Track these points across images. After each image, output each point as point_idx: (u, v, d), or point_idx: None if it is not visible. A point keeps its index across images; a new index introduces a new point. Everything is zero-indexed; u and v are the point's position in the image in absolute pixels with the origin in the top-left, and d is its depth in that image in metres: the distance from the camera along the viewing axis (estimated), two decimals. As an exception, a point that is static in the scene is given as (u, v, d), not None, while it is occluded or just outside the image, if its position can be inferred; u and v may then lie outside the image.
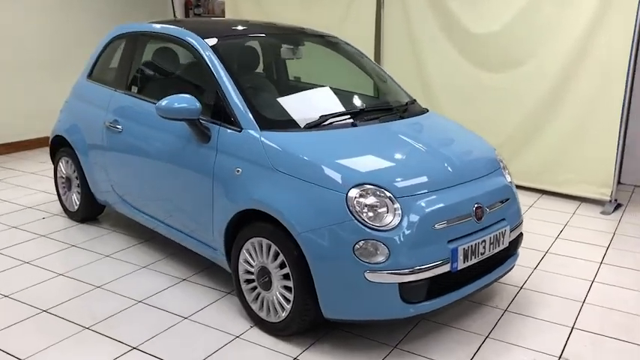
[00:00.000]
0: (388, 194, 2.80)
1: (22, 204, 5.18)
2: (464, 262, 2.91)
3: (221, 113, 3.30)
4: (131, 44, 4.13)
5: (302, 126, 3.19)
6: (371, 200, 2.77)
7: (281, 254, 2.95)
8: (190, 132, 3.38)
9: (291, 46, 4.06)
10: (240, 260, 3.20)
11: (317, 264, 2.80)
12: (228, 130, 3.23)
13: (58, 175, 4.85)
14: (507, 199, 3.24)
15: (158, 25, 3.99)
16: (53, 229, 4.61)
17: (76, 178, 4.62)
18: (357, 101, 3.73)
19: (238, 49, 3.72)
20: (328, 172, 2.85)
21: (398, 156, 3.13)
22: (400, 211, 2.77)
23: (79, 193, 4.63)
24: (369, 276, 2.72)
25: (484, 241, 3.01)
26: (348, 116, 3.38)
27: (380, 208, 2.77)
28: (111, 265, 3.96)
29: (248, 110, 3.21)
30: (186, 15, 9.07)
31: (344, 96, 3.74)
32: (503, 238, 3.16)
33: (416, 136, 3.35)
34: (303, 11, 6.89)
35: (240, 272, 3.23)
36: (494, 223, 3.10)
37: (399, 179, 2.90)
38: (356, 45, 4.39)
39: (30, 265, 3.95)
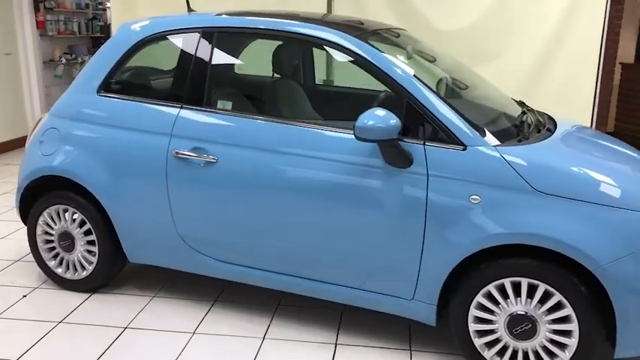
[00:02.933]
0: None
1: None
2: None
3: (417, 128, 2.61)
4: (198, 45, 3.03)
5: (518, 137, 2.68)
6: None
7: (557, 294, 2.44)
8: (368, 156, 2.62)
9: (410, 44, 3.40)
10: (472, 310, 2.58)
11: (623, 299, 2.36)
12: (445, 149, 2.55)
13: (40, 231, 3.42)
14: None
15: (262, 19, 2.98)
16: (62, 310, 3.23)
17: (84, 233, 3.31)
18: (504, 105, 3.25)
19: (392, 50, 2.96)
20: (614, 189, 2.43)
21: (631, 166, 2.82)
22: None
23: (90, 253, 3.33)
24: (675, 303, 2.38)
25: None
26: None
27: None
28: (212, 343, 2.91)
29: (466, 122, 2.58)
30: (36, 9, 7.27)
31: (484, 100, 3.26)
32: None
33: (605, 143, 3.07)
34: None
35: (472, 324, 2.60)
36: None
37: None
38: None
39: (103, 371, 2.70)
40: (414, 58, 3.22)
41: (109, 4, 9.15)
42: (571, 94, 5.35)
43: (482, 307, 2.58)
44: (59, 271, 3.44)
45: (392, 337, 2.98)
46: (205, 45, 3.02)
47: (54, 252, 3.44)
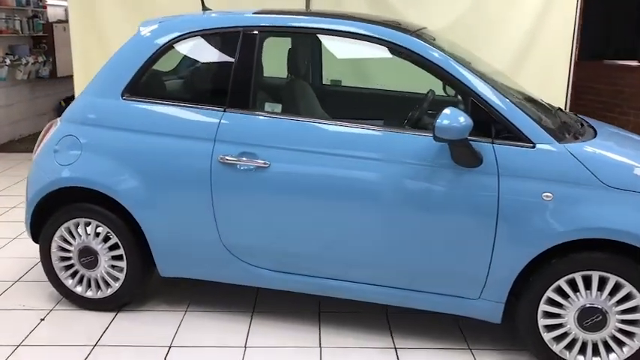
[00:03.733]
0: None
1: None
2: None
3: (483, 127, 2.61)
4: (240, 46, 2.88)
5: (573, 134, 2.75)
6: None
7: (628, 285, 2.52)
8: (435, 156, 2.60)
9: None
10: (542, 305, 2.62)
11: (692, 286, 2.48)
12: (515, 148, 2.57)
13: (56, 247, 3.14)
14: None
15: (314, 18, 2.89)
16: (91, 331, 2.99)
17: (109, 248, 3.08)
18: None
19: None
20: (675, 181, 2.54)
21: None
22: None
23: (115, 268, 3.10)
24: None
25: None
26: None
27: None
28: (269, 357, 2.79)
29: (533, 120, 2.61)
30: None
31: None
32: None
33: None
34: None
35: (541, 319, 2.64)
36: None
37: None
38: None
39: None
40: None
41: (48, 1, 8.63)
42: (545, 90, 5.56)
43: (552, 302, 2.62)
44: (78, 290, 3.18)
45: (447, 338, 2.98)
46: (249, 45, 2.87)
47: (71, 270, 3.17)
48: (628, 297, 2.54)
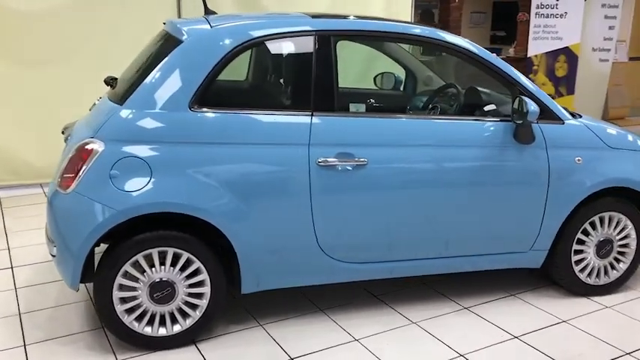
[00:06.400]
0: None
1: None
2: None
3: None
4: (317, 49, 2.89)
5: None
6: None
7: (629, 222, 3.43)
8: (503, 138, 3.13)
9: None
10: (574, 245, 3.37)
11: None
12: (552, 125, 3.23)
13: (118, 286, 2.72)
14: None
15: (388, 23, 3.06)
16: (195, 368, 2.71)
17: (187, 277, 2.81)
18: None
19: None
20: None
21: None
22: None
23: (192, 295, 2.85)
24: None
25: None
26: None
27: None
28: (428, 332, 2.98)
29: (555, 103, 3.31)
30: None
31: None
32: None
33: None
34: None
35: (574, 256, 3.40)
36: None
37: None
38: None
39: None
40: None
41: None
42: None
43: (579, 242, 3.38)
44: (147, 331, 2.81)
45: (491, 291, 3.51)
46: (326, 47, 2.92)
47: (138, 311, 2.78)
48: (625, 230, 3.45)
